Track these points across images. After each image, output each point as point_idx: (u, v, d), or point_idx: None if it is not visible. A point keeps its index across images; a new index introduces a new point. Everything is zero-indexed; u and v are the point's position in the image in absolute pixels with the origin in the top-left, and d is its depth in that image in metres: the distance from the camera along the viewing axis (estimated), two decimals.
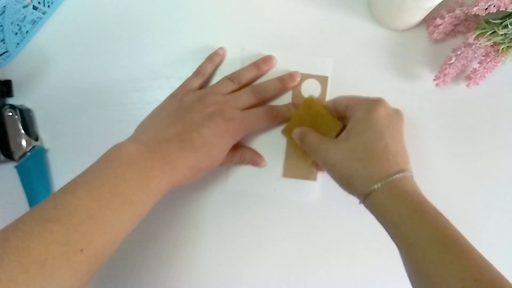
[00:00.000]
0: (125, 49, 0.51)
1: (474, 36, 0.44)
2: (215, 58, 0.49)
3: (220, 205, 0.50)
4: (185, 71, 0.49)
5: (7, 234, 0.30)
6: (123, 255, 0.50)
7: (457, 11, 0.44)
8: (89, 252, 0.32)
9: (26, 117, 0.50)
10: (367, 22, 0.50)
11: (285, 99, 0.50)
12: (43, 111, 0.51)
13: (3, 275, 0.28)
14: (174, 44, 0.51)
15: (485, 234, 0.48)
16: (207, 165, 0.42)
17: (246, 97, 0.46)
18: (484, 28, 0.44)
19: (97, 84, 0.51)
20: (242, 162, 0.49)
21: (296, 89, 0.50)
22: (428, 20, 0.48)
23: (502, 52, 0.44)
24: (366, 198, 0.38)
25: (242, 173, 0.50)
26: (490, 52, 0.45)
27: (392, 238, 0.36)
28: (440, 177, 0.49)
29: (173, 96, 0.46)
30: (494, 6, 0.41)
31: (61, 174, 0.51)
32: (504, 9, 0.42)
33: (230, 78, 0.47)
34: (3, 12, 0.45)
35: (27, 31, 0.50)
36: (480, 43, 0.44)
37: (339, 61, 0.50)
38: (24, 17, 0.48)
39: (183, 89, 0.47)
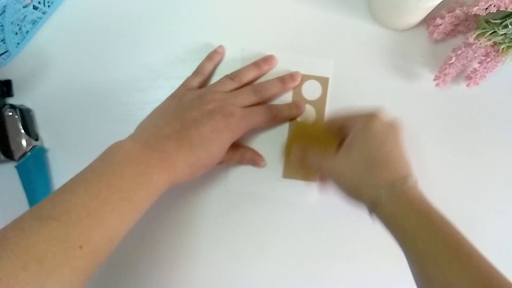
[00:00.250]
0: (125, 49, 0.51)
1: (474, 36, 0.44)
2: (214, 57, 0.49)
3: (220, 205, 0.50)
4: (185, 71, 0.49)
5: (6, 232, 0.30)
6: (123, 255, 0.50)
7: (457, 11, 0.44)
8: (89, 249, 0.32)
9: (26, 117, 0.50)
10: (367, 22, 0.50)
11: (285, 99, 0.50)
12: (43, 111, 0.51)
13: (3, 273, 0.28)
14: (174, 44, 0.51)
15: (485, 233, 0.48)
16: (206, 162, 0.42)
17: (246, 96, 0.46)
18: (484, 28, 0.44)
19: (97, 84, 0.51)
20: (242, 162, 0.49)
21: (297, 89, 0.50)
22: (428, 20, 0.48)
23: (502, 52, 0.44)
24: (374, 206, 0.38)
25: (242, 173, 0.50)
26: (490, 52, 0.45)
27: (400, 245, 0.36)
28: (440, 176, 0.49)
29: (173, 95, 0.46)
30: (494, 6, 0.41)
31: (61, 174, 0.51)
32: (504, 9, 0.42)
33: (231, 76, 0.47)
34: (3, 12, 0.46)
35: (27, 31, 0.50)
36: (480, 43, 0.44)
37: (339, 61, 0.50)
38: (24, 17, 0.48)
39: (183, 88, 0.47)
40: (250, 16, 0.51)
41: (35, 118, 0.51)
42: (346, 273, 0.49)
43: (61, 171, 0.51)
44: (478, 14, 0.43)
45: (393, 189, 0.37)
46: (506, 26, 0.43)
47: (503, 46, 0.44)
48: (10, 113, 0.49)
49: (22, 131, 0.49)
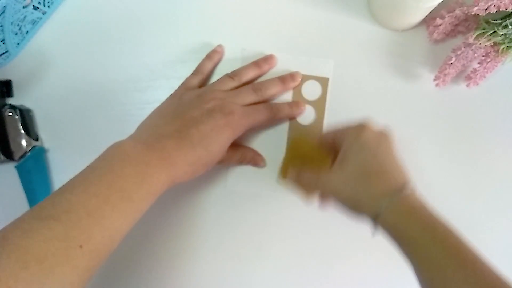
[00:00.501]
0: (125, 49, 0.51)
1: (474, 36, 0.44)
2: (213, 56, 0.49)
3: (220, 205, 0.50)
4: (185, 71, 0.49)
5: (6, 232, 0.30)
6: (124, 255, 0.50)
7: (457, 11, 0.44)
8: (89, 248, 0.32)
9: (26, 117, 0.50)
10: (367, 22, 0.50)
11: (285, 100, 0.50)
12: (43, 111, 0.51)
13: (3, 273, 0.28)
14: (174, 44, 0.51)
15: (485, 232, 0.48)
16: (206, 161, 0.42)
17: (246, 94, 0.46)
18: (484, 28, 0.44)
19: (97, 84, 0.51)
20: (242, 161, 0.49)
21: (297, 89, 0.50)
22: (428, 20, 0.48)
23: (502, 52, 0.44)
24: (376, 219, 0.37)
25: (242, 173, 0.50)
26: (490, 52, 0.45)
27: (404, 255, 0.36)
28: (439, 176, 0.49)
29: (172, 95, 0.47)
30: (494, 6, 0.41)
31: (61, 174, 0.51)
32: (504, 9, 0.42)
33: (231, 75, 0.47)
34: (3, 12, 0.46)
35: (27, 31, 0.50)
36: (480, 43, 0.44)
37: (339, 61, 0.50)
38: (24, 17, 0.48)
39: (183, 88, 0.47)
40: (250, 16, 0.51)
41: (35, 118, 0.51)
42: (346, 273, 0.49)
43: (61, 171, 0.51)
44: (478, 15, 0.43)
45: (392, 199, 0.36)
46: (506, 26, 0.43)
47: (503, 46, 0.44)
48: (10, 113, 0.49)
49: (22, 131, 0.49)
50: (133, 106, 0.51)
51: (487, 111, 0.49)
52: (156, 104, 0.46)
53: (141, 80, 0.51)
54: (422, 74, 0.49)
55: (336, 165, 0.40)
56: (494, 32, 0.43)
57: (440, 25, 0.45)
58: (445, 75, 0.46)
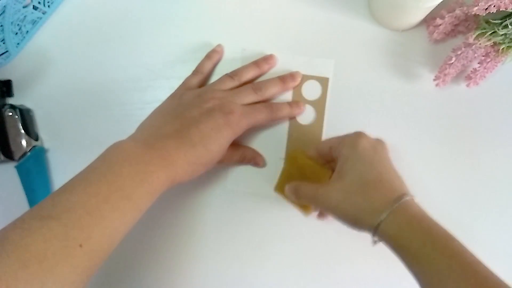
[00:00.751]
0: (125, 49, 0.51)
1: (474, 36, 0.44)
2: (213, 56, 0.49)
3: (220, 205, 0.50)
4: (185, 71, 0.49)
5: (6, 232, 0.30)
6: (123, 256, 0.50)
7: (457, 11, 0.44)
8: (89, 247, 0.32)
9: (26, 117, 0.50)
10: (367, 22, 0.50)
11: (285, 100, 0.50)
12: (43, 111, 0.51)
13: (2, 272, 0.28)
14: (174, 44, 0.51)
15: (485, 233, 0.48)
16: (206, 160, 0.42)
17: (246, 94, 0.46)
18: (484, 28, 0.44)
19: (97, 84, 0.51)
20: (242, 161, 0.49)
21: (297, 89, 0.50)
22: (428, 20, 0.48)
23: (502, 52, 0.44)
24: (376, 231, 0.37)
25: (242, 173, 0.50)
26: (490, 52, 0.45)
27: (406, 266, 0.35)
28: (439, 177, 0.49)
29: (172, 95, 0.47)
30: (494, 6, 0.41)
31: (61, 174, 0.51)
32: (504, 9, 0.42)
33: (230, 75, 0.47)
34: (3, 12, 0.46)
35: (27, 31, 0.50)
36: (480, 43, 0.44)
37: (339, 61, 0.50)
38: (24, 17, 0.48)
39: (183, 87, 0.47)
40: (250, 16, 0.51)
41: (35, 118, 0.51)
42: (346, 273, 0.49)
43: (61, 171, 0.51)
44: (478, 14, 0.43)
45: (391, 210, 0.36)
46: (506, 26, 0.43)
47: (503, 46, 0.44)
48: (10, 113, 0.49)
49: (22, 131, 0.49)
50: (133, 106, 0.51)
51: (487, 111, 0.49)
52: (156, 104, 0.46)
53: (141, 80, 0.51)
54: (422, 74, 0.49)
55: (334, 177, 0.40)
56: (494, 32, 0.43)
57: (440, 25, 0.45)
58: (445, 75, 0.46)
